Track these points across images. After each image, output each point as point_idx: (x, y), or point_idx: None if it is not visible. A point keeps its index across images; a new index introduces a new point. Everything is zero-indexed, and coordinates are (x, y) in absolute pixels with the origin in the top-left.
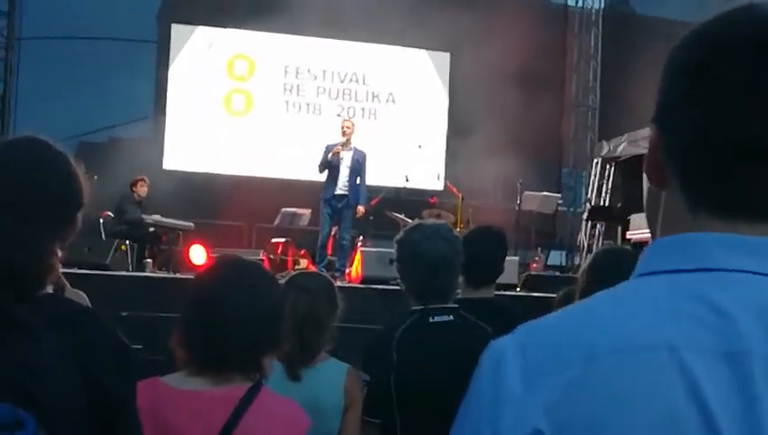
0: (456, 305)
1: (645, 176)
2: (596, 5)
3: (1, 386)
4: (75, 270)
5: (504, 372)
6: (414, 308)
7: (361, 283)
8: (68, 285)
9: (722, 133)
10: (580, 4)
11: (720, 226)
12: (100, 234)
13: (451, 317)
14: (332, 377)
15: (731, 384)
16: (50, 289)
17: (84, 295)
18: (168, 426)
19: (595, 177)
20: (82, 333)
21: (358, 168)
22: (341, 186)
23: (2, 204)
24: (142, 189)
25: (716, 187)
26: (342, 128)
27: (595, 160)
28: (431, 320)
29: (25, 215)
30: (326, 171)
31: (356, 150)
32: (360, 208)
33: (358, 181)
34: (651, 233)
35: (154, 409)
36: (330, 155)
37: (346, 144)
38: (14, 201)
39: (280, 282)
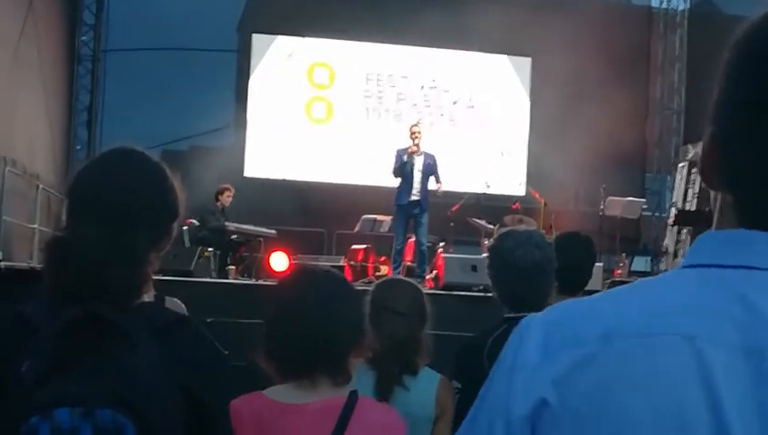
0: None
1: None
2: (680, 6)
3: (103, 393)
4: (160, 277)
5: (526, 344)
6: (507, 316)
7: (443, 289)
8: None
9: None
10: (664, 5)
11: None
12: (184, 241)
13: None
14: (425, 387)
15: (748, 379)
16: (150, 297)
17: (182, 304)
18: None
19: (681, 181)
20: (179, 343)
21: (429, 172)
22: (415, 192)
23: (101, 215)
24: (228, 199)
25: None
26: (411, 133)
27: (681, 164)
28: None
29: (124, 225)
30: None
31: (426, 154)
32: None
33: (429, 186)
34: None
35: (260, 422)
36: (404, 157)
37: (416, 149)
38: (114, 212)
39: (361, 290)
